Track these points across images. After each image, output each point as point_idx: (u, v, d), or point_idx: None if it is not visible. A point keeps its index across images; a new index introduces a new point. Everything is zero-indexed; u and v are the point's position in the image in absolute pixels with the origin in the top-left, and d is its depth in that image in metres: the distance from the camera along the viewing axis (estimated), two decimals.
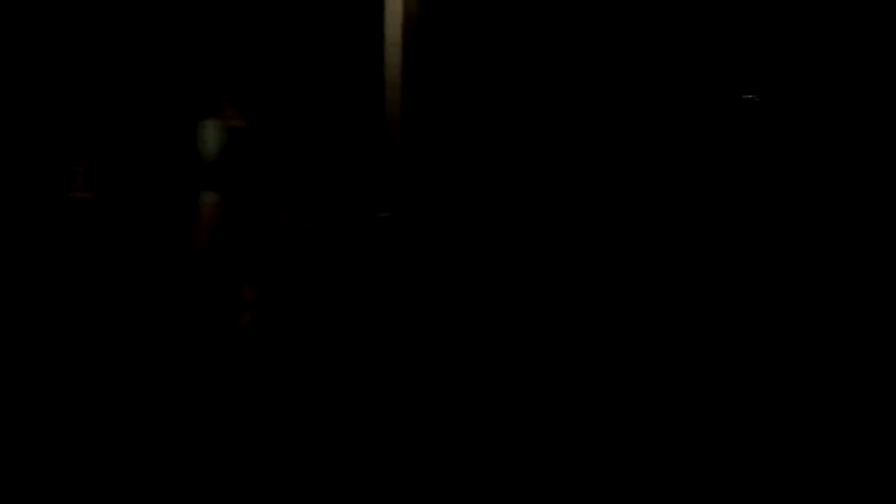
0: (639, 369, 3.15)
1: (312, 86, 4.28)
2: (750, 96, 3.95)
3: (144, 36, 4.25)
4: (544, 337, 3.47)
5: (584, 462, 2.45)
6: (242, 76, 3.33)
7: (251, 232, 3.13)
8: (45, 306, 3.45)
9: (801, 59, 3.86)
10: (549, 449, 2.52)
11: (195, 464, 2.39)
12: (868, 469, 2.41)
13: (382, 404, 2.88)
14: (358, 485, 2.31)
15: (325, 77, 4.32)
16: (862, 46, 3.75)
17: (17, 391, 2.83)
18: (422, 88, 4.23)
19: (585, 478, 2.36)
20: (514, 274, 3.99)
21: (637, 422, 2.72)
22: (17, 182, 4.09)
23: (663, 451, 2.52)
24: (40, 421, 2.61)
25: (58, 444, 2.47)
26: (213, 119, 3.33)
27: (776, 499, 2.27)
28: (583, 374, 3.14)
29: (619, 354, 3.29)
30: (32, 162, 4.14)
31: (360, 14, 4.34)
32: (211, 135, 3.33)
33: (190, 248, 3.34)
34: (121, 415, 2.67)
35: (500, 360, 3.28)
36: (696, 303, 3.68)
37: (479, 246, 4.12)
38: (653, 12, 3.96)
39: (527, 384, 3.06)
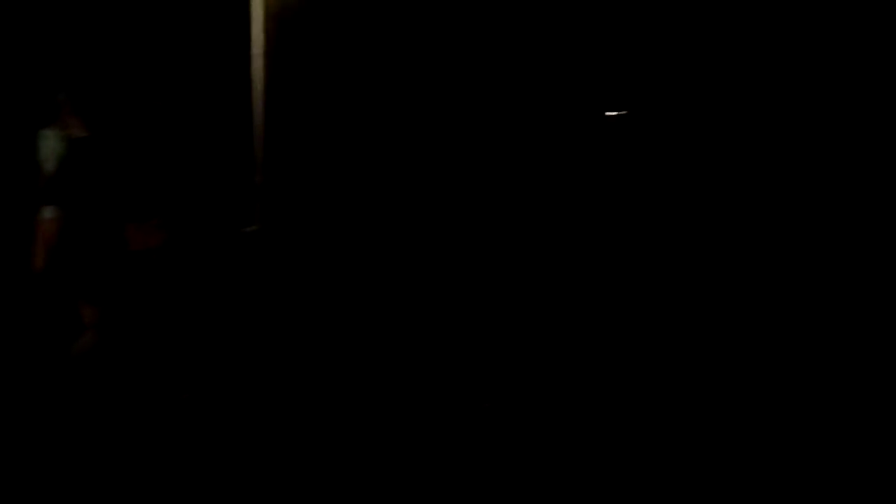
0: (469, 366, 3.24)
1: (172, 95, 4.10)
2: (614, 113, 4.12)
3: None
4: (406, 336, 3.48)
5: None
6: (86, 82, 3.14)
7: (95, 249, 2.94)
8: None
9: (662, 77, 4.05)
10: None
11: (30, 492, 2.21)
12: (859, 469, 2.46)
13: (246, 423, 2.78)
14: None
15: (186, 86, 4.15)
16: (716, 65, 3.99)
17: None
18: (288, 100, 4.15)
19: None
20: (387, 281, 3.98)
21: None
22: None
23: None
24: None
25: None
26: (53, 129, 3.13)
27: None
28: (436, 366, 3.19)
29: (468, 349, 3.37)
30: None
31: (223, 22, 4.21)
32: (51, 145, 3.12)
33: (28, 267, 3.09)
34: None
35: (368, 371, 3.24)
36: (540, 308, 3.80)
37: (350, 256, 4.08)
38: (519, 30, 4.07)
39: (393, 383, 3.06)
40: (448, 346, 3.49)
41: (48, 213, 3.07)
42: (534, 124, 4.09)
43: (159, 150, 3.68)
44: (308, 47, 4.17)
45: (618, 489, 2.38)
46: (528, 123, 4.10)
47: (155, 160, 3.36)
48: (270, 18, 4.01)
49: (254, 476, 2.41)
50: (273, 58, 4.08)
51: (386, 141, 4.19)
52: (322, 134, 4.22)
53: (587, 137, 4.08)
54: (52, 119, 3.12)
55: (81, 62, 3.79)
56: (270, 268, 4.04)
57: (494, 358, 3.41)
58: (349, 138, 4.22)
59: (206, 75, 4.21)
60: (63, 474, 2.38)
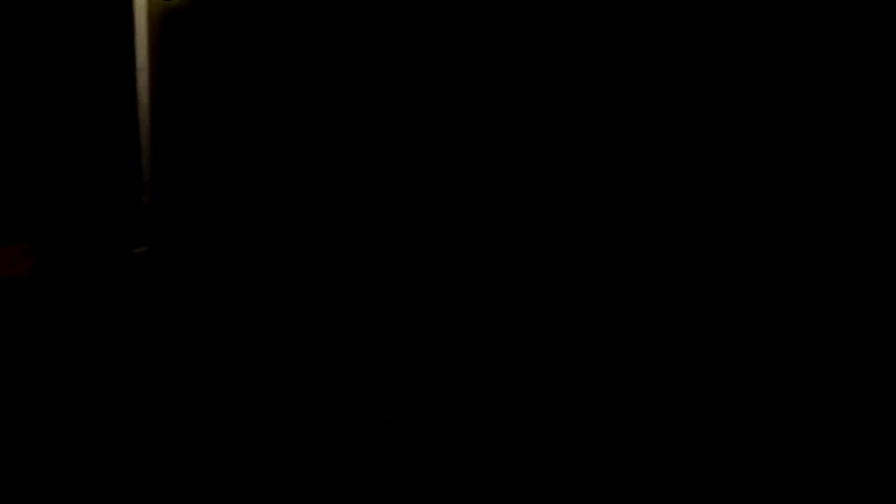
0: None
1: (47, 110, 3.86)
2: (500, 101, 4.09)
3: None
4: (304, 351, 3.37)
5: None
6: None
7: None
8: None
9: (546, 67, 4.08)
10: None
11: None
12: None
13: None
14: None
15: (64, 101, 3.92)
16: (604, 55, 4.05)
17: None
18: (176, 115, 3.99)
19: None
20: (283, 297, 3.86)
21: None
22: None
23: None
24: None
25: None
26: None
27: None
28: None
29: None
30: None
31: (105, 34, 4.01)
32: None
33: None
34: None
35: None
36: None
37: (246, 275, 3.94)
38: (408, 26, 4.04)
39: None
40: (348, 359, 3.41)
41: None
42: (435, 141, 4.09)
43: (31, 167, 3.45)
44: (196, 60, 4.03)
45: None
46: (428, 140, 4.09)
47: (26, 178, 3.14)
48: (154, 31, 3.84)
49: None
50: (159, 72, 3.90)
51: (280, 154, 4.10)
52: (213, 150, 4.08)
53: (487, 139, 4.10)
54: None
55: None
56: (161, 291, 3.85)
57: (396, 369, 3.36)
58: (241, 154, 4.09)
59: (86, 90, 3.99)
60: None
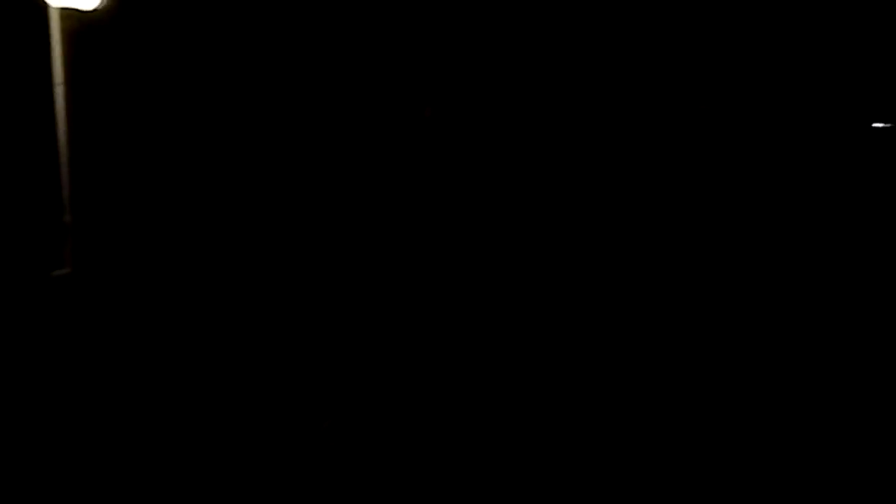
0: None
1: None
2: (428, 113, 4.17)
3: None
4: (237, 364, 3.31)
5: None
6: None
7: None
8: None
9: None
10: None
11: None
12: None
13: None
14: None
15: None
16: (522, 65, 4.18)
17: None
18: (95, 131, 3.89)
19: None
20: (209, 317, 3.78)
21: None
22: None
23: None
24: None
25: None
26: None
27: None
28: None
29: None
30: None
31: (20, 50, 3.88)
32: None
33: None
34: None
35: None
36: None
37: (170, 296, 3.84)
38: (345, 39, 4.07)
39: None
40: (283, 369, 3.37)
41: None
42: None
43: None
44: (112, 73, 3.94)
45: None
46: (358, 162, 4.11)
47: None
48: (70, 45, 3.74)
49: None
50: (76, 87, 3.80)
51: (203, 166, 4.04)
52: (135, 164, 3.99)
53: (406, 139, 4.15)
54: None
55: None
56: (83, 316, 3.71)
57: (333, 376, 3.33)
58: (163, 169, 4.01)
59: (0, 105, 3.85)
60: None
